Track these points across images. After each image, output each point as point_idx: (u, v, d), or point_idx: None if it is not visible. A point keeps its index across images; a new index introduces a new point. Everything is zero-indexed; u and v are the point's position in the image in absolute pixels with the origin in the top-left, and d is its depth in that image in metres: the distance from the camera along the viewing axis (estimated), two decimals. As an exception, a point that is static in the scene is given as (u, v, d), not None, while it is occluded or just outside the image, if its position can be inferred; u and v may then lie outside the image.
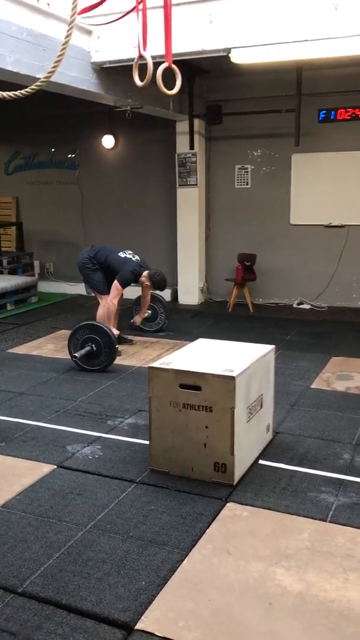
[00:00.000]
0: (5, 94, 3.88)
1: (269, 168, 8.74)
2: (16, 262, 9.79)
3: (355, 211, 8.29)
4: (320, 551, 2.85)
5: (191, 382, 3.46)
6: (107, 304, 6.26)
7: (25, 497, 3.38)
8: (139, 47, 4.33)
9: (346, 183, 8.23)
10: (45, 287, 10.04)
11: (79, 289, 8.75)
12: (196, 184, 8.79)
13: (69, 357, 5.79)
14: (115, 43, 5.83)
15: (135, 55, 4.43)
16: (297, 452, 3.96)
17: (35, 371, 5.76)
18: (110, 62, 6.03)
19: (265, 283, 8.83)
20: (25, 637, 2.31)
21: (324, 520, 3.12)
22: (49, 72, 4.04)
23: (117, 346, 5.81)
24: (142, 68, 4.28)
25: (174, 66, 4.29)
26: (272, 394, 4.11)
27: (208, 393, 3.42)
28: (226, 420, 3.40)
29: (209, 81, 8.48)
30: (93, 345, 5.65)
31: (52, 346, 6.70)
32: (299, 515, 3.16)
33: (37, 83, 4.07)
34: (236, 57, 5.61)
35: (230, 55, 5.58)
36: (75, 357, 5.66)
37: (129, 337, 6.78)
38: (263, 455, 3.89)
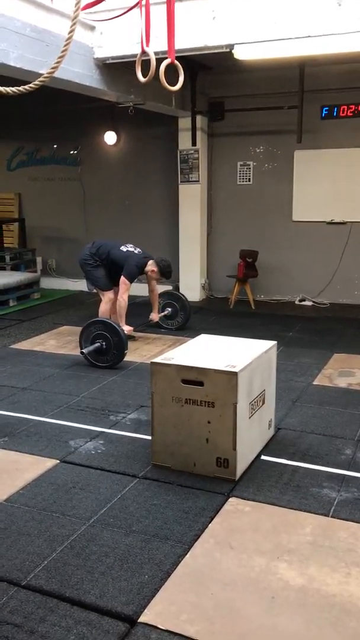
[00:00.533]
0: (8, 89, 3.89)
1: (271, 165, 8.73)
2: (18, 259, 9.79)
3: (357, 208, 8.27)
4: (322, 546, 2.86)
5: (193, 377, 3.47)
6: (118, 300, 6.27)
7: (28, 492, 3.40)
8: (141, 43, 4.35)
9: (348, 180, 8.22)
10: (48, 283, 10.07)
11: (81, 285, 8.75)
12: (198, 181, 8.79)
13: (71, 353, 5.80)
14: (118, 39, 5.83)
15: (138, 51, 4.44)
16: (299, 447, 3.97)
17: (38, 367, 5.78)
18: (113, 58, 6.02)
19: (267, 280, 8.84)
20: (29, 629, 2.33)
21: (326, 515, 3.13)
22: (52, 68, 4.06)
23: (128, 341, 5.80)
24: (145, 64, 4.29)
25: (176, 62, 4.31)
26: (274, 390, 4.12)
27: (210, 388, 3.43)
28: (228, 415, 3.41)
29: (211, 77, 8.46)
30: (103, 343, 5.65)
31: (54, 342, 6.72)
32: (301, 510, 3.17)
33: (40, 79, 4.09)
34: (239, 53, 5.61)
35: (233, 51, 5.58)
36: (82, 353, 5.68)
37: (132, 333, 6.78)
38: (265, 450, 3.90)
